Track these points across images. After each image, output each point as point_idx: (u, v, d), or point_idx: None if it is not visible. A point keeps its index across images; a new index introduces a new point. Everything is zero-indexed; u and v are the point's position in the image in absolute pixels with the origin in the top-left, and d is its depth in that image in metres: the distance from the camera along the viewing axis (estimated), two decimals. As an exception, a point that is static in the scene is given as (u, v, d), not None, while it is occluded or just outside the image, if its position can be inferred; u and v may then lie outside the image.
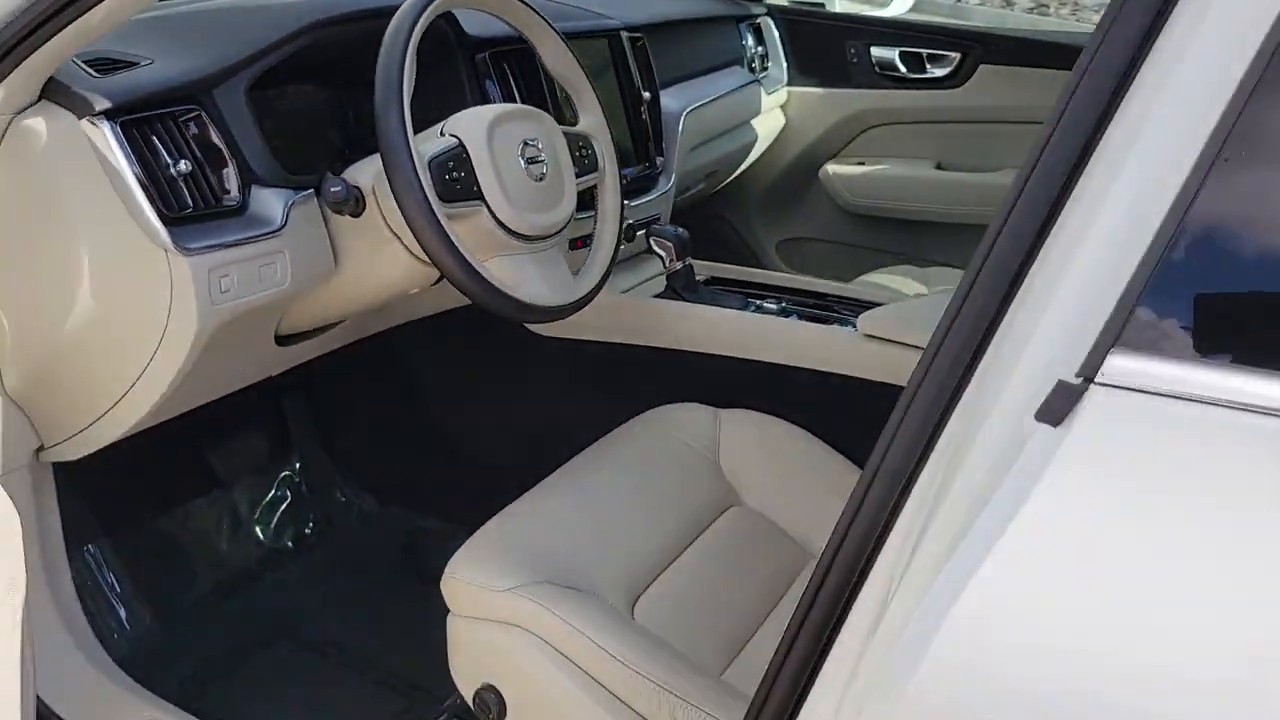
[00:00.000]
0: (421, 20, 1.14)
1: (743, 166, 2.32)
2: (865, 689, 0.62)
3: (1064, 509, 0.55)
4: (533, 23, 1.32)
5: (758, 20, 2.33)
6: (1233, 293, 0.55)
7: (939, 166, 2.32)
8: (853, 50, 2.33)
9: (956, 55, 2.24)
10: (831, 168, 2.39)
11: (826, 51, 2.36)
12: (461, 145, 1.18)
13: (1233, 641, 0.51)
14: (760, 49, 2.30)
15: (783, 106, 2.38)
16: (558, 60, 1.36)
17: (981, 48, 2.23)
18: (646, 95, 1.74)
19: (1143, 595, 0.53)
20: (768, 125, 2.31)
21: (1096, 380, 0.55)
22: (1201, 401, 0.53)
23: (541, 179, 1.25)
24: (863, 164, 2.38)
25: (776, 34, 2.37)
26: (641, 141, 1.71)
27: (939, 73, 2.27)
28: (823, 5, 2.50)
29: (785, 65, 2.38)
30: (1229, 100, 0.53)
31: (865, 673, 0.63)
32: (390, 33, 1.13)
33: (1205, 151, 0.54)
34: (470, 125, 1.20)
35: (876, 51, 2.30)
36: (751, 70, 2.26)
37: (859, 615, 0.66)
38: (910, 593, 0.61)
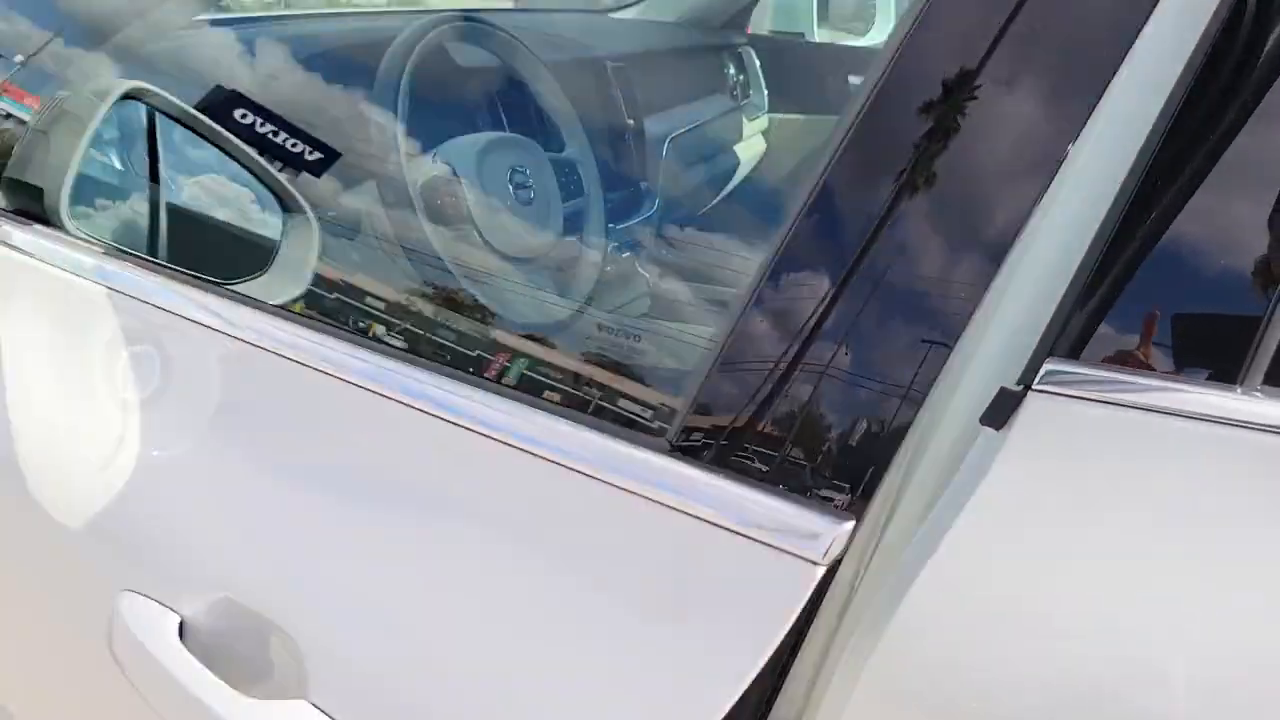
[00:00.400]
0: (415, 54, 1.21)
1: (725, 191, 2.38)
2: (829, 678, 0.67)
3: (1004, 505, 0.60)
4: (519, 53, 1.38)
5: (739, 49, 2.39)
6: (1162, 305, 0.60)
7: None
8: (831, 78, 2.39)
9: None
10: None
11: (806, 79, 2.43)
12: (453, 172, 1.24)
13: (1153, 623, 0.56)
14: (741, 77, 2.37)
15: (764, 133, 2.44)
16: (543, 89, 1.42)
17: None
18: (630, 123, 1.80)
19: (1073, 579, 0.58)
20: (749, 151, 2.37)
21: (1034, 387, 0.60)
22: (1131, 406, 0.58)
23: (529, 204, 1.31)
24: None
25: (757, 62, 2.43)
26: (626, 167, 1.77)
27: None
28: (802, 35, 2.57)
29: (765, 93, 2.44)
30: (1151, 126, 0.59)
31: (829, 665, 0.68)
32: (385, 66, 1.19)
33: (1133, 170, 0.59)
34: (462, 153, 1.26)
35: (854, 79, 2.37)
36: (733, 98, 2.32)
37: (825, 613, 0.71)
38: (870, 587, 0.65)
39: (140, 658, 0.63)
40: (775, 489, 0.52)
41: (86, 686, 0.71)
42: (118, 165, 0.97)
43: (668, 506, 0.52)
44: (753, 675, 0.50)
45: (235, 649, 0.62)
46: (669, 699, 0.49)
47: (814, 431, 0.52)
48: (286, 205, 1.01)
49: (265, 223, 1.00)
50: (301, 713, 0.58)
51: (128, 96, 0.93)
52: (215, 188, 1.00)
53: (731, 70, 2.34)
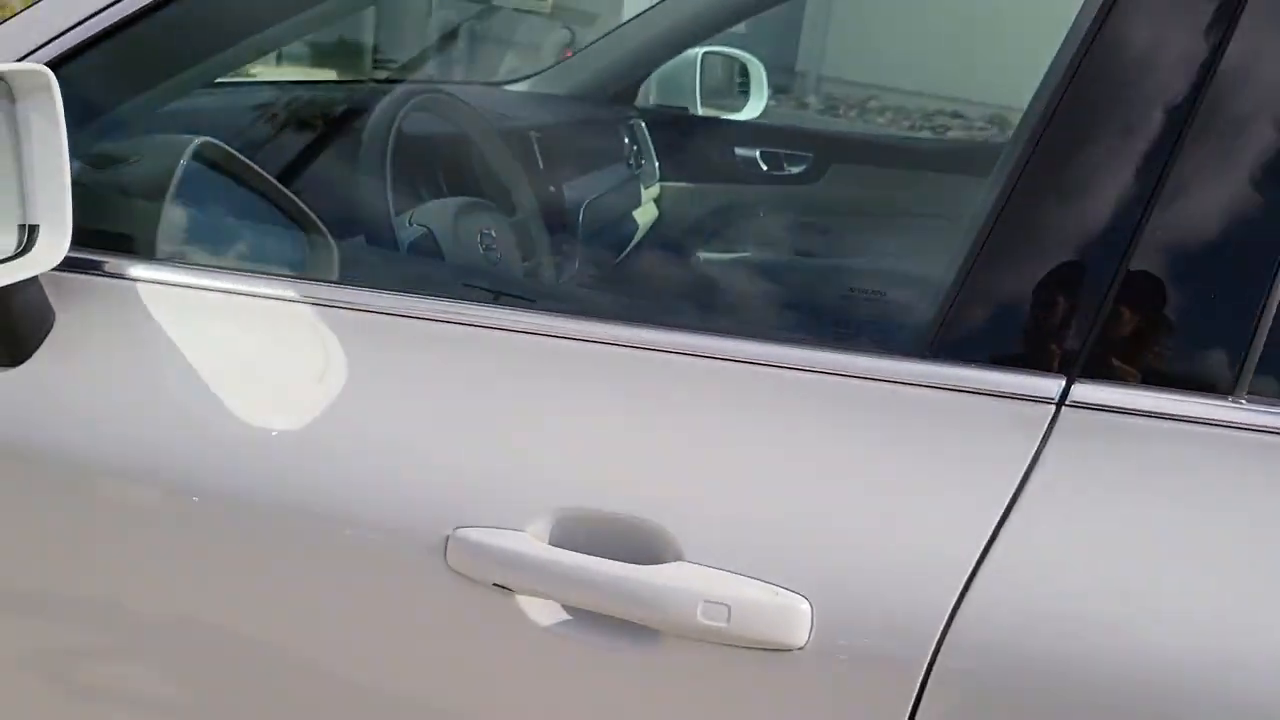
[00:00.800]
0: (394, 129, 1.28)
1: (624, 254, 2.50)
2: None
3: (1042, 508, 0.72)
4: (478, 125, 1.46)
5: (631, 122, 2.54)
6: (1170, 326, 0.75)
7: (798, 254, 2.56)
8: (718, 149, 2.57)
9: (810, 155, 2.51)
10: (702, 256, 2.60)
11: (694, 150, 2.59)
12: (431, 234, 1.31)
13: (1171, 597, 0.69)
14: (635, 147, 2.51)
15: (656, 200, 2.58)
16: (497, 158, 1.51)
17: (832, 148, 2.51)
18: (552, 190, 1.90)
19: (1111, 571, 0.70)
20: (645, 217, 2.51)
21: (1066, 404, 0.73)
22: (1149, 416, 0.72)
23: (496, 264, 1.39)
24: (730, 252, 2.60)
25: (648, 134, 2.58)
26: (555, 230, 1.87)
27: (796, 170, 2.53)
28: (686, 109, 2.73)
29: (657, 163, 2.59)
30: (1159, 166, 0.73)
31: None
32: (368, 135, 1.27)
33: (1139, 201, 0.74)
34: (438, 216, 1.33)
35: (740, 151, 2.55)
36: (629, 167, 2.46)
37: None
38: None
39: (513, 565, 0.79)
40: (1007, 366, 0.76)
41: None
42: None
43: (936, 387, 0.77)
44: (1026, 464, 0.73)
45: (596, 543, 0.78)
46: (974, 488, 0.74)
47: (1025, 330, 0.77)
48: (309, 234, 1.15)
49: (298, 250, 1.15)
50: (683, 570, 0.75)
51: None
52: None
53: (627, 141, 2.48)
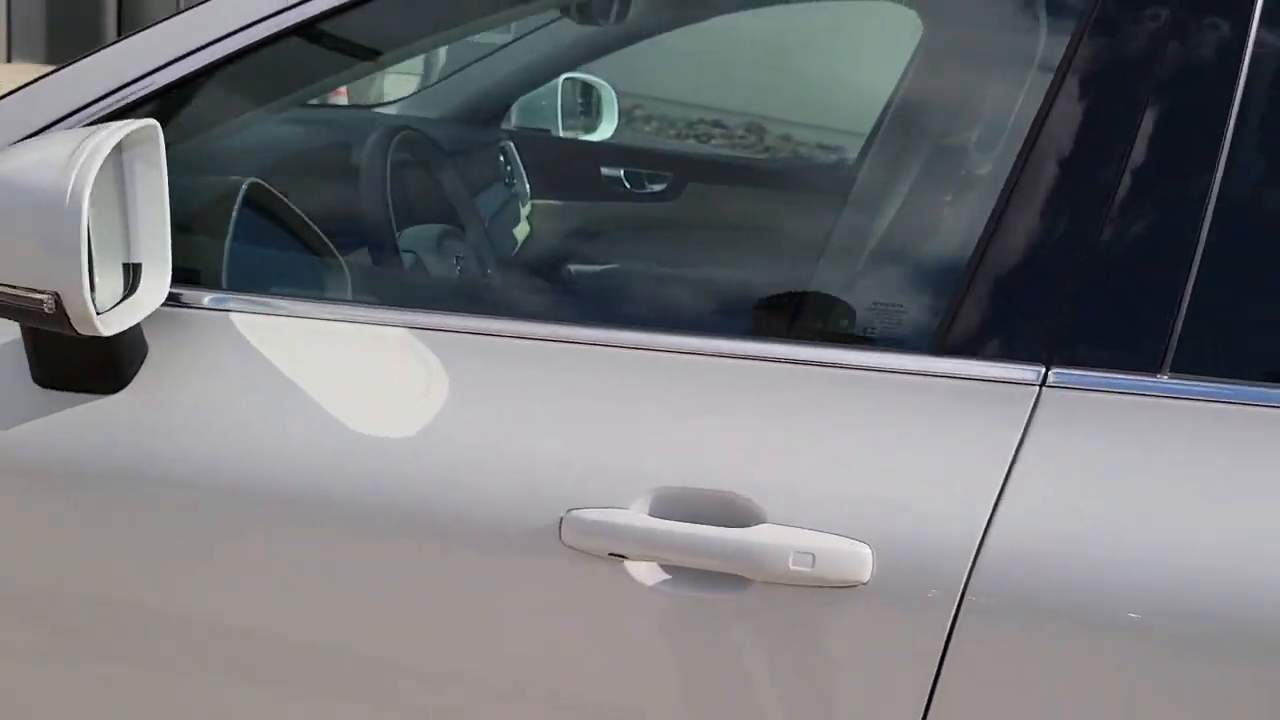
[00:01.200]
0: (390, 158, 1.41)
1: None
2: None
3: (1035, 466, 0.96)
4: (441, 158, 1.60)
5: (503, 143, 2.68)
6: (1118, 324, 0.99)
7: (659, 265, 2.78)
8: (584, 168, 2.76)
9: (670, 174, 2.74)
10: (573, 268, 2.77)
11: (561, 169, 2.77)
12: (419, 259, 1.44)
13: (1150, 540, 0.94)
14: (509, 168, 2.66)
15: (528, 217, 2.73)
16: (453, 186, 1.65)
17: (689, 169, 2.75)
18: (469, 210, 2.04)
19: (1090, 508, 0.94)
20: (520, 233, 2.66)
21: (1046, 385, 0.97)
22: (1104, 391, 0.96)
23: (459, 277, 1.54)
24: (597, 264, 2.79)
25: (518, 155, 2.73)
26: (487, 248, 2.01)
27: (657, 188, 2.76)
28: (549, 131, 2.90)
29: (527, 183, 2.75)
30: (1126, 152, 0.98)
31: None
32: (365, 170, 1.38)
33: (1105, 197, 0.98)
34: (424, 242, 1.46)
35: (605, 170, 2.75)
36: (507, 186, 2.60)
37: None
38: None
39: (628, 535, 0.96)
40: (999, 358, 1.00)
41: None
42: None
43: (945, 376, 1.00)
44: (1019, 434, 0.95)
45: (690, 514, 0.96)
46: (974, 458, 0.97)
47: (1012, 330, 1.00)
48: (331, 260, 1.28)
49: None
50: (771, 530, 0.95)
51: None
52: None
53: (502, 160, 2.62)
